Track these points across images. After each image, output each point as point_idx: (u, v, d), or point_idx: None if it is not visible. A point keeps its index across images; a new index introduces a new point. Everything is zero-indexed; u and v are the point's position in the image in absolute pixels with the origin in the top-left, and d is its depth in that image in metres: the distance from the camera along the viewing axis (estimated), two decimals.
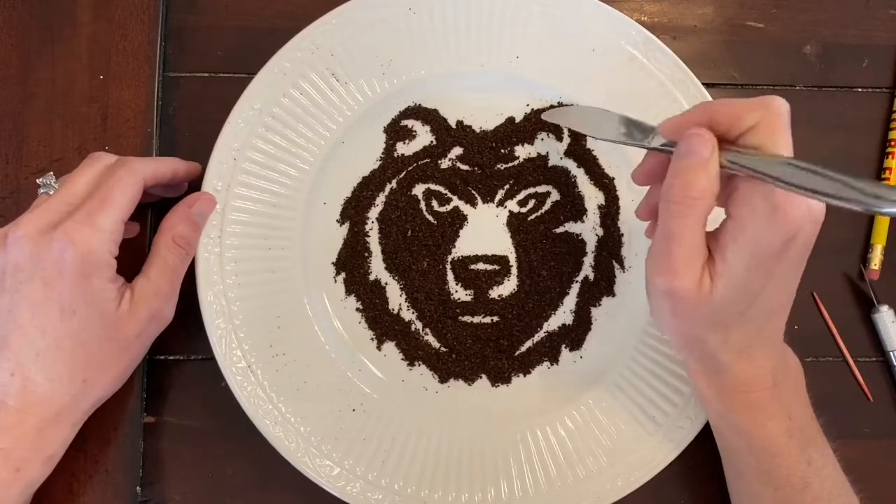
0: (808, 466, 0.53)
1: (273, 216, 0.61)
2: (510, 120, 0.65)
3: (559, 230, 0.64)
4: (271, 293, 0.61)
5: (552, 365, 0.63)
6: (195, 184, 0.61)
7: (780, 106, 0.47)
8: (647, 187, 0.55)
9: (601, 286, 0.64)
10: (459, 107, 0.65)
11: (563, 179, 0.64)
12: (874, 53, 0.69)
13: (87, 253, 0.51)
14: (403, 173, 0.64)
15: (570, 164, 0.64)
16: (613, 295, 0.64)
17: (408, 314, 0.63)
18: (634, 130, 0.54)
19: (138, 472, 0.61)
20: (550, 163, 0.64)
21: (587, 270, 0.64)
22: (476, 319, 0.63)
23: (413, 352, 0.62)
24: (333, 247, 0.63)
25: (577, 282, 0.64)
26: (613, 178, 0.64)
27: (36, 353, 0.52)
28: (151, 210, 0.63)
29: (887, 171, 0.67)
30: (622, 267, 0.64)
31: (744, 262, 0.47)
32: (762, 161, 0.45)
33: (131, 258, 0.57)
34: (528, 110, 0.65)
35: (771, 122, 0.46)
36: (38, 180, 0.55)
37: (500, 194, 0.64)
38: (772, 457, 0.53)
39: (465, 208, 0.64)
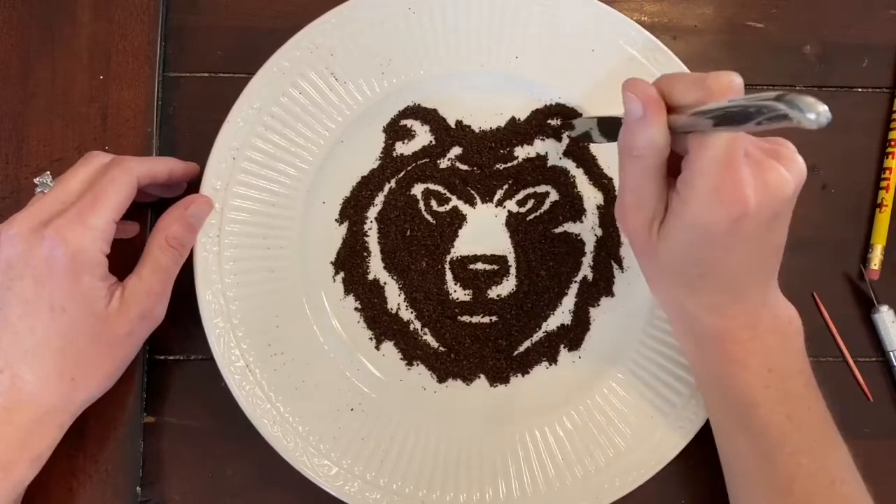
0: (787, 420, 0.52)
1: (272, 215, 0.61)
2: (511, 120, 0.65)
3: (558, 230, 0.64)
4: (270, 292, 0.61)
5: (551, 365, 0.63)
6: (195, 184, 0.61)
7: (721, 85, 0.45)
8: None
9: (600, 286, 0.64)
10: (459, 107, 0.65)
11: (562, 179, 0.64)
12: (874, 53, 0.69)
13: (78, 251, 0.52)
14: (402, 173, 0.64)
15: (569, 165, 0.64)
16: (612, 295, 0.64)
17: (406, 314, 0.63)
18: None
19: (138, 472, 0.61)
20: (549, 163, 0.64)
21: (586, 270, 0.64)
22: (475, 319, 0.63)
23: (411, 351, 0.62)
24: (332, 246, 0.63)
25: (575, 282, 0.64)
26: (612, 179, 0.64)
27: (25, 351, 0.52)
28: (151, 210, 0.63)
29: (887, 172, 0.66)
30: (621, 267, 0.64)
31: (685, 237, 0.48)
32: (693, 115, 0.45)
33: (132, 258, 0.57)
34: (528, 110, 0.65)
35: (709, 101, 0.45)
36: (35, 179, 0.56)
37: (498, 194, 0.64)
38: (747, 407, 0.53)
39: (464, 208, 0.64)
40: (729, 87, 0.45)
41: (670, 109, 0.47)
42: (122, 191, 0.54)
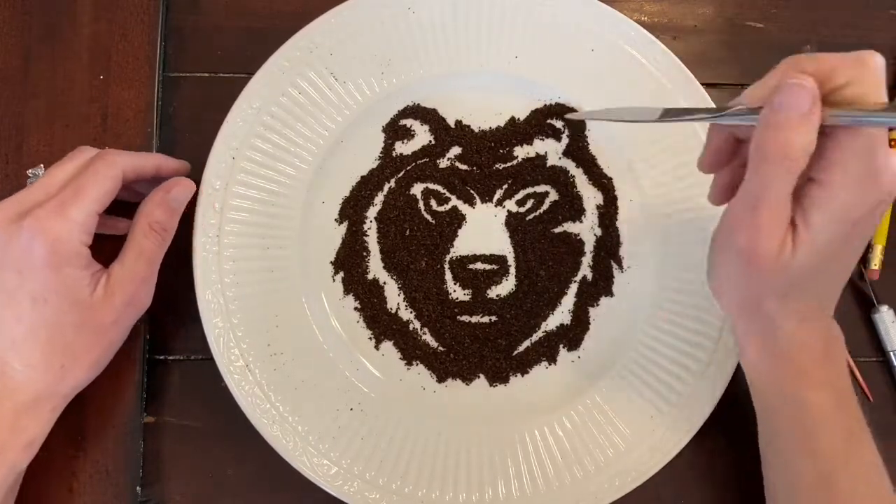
0: (850, 437, 0.52)
1: (271, 215, 0.62)
2: (510, 120, 0.65)
3: (557, 230, 0.64)
4: (269, 292, 0.61)
5: (550, 365, 0.63)
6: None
7: (876, 62, 0.43)
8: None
9: (599, 286, 0.64)
10: (458, 106, 0.65)
11: (561, 179, 0.64)
12: None
13: (57, 242, 0.51)
14: (402, 173, 0.64)
15: (569, 164, 0.64)
16: (612, 295, 0.64)
17: (406, 314, 0.63)
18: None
19: (138, 472, 0.61)
20: (549, 163, 0.64)
21: (585, 270, 0.64)
22: (474, 319, 0.63)
23: (411, 351, 0.62)
24: (332, 246, 0.63)
25: (575, 282, 0.64)
26: (612, 178, 0.64)
27: (12, 341, 0.52)
28: None
29: None
30: (620, 267, 0.64)
31: (829, 230, 0.45)
32: (861, 111, 0.42)
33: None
34: (528, 110, 0.65)
35: (865, 79, 0.43)
36: (28, 171, 0.56)
37: (498, 194, 0.64)
38: (815, 424, 0.51)
39: (464, 208, 0.64)
40: (877, 61, 0.43)
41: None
42: (104, 183, 0.54)
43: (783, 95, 0.43)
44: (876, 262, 0.65)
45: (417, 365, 0.62)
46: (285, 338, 0.61)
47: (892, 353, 0.64)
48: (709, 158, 0.52)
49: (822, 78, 0.43)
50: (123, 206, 0.59)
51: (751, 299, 0.51)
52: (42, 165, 0.56)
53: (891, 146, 0.64)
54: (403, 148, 0.64)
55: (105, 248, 0.56)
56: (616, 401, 0.61)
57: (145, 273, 0.56)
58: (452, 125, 0.65)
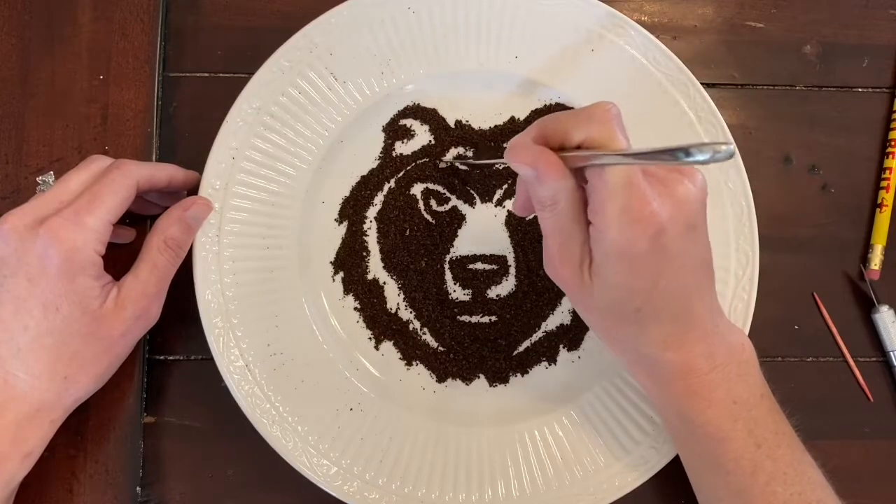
0: (758, 449, 0.52)
1: (271, 215, 0.61)
2: (510, 120, 0.65)
3: None
4: (269, 292, 0.61)
5: (550, 365, 0.63)
6: (194, 192, 0.61)
7: (603, 113, 0.46)
8: None
9: None
10: (458, 106, 0.65)
11: None
12: (874, 53, 0.69)
13: (72, 250, 0.51)
14: (402, 173, 0.64)
15: None
16: None
17: (406, 314, 0.63)
18: None
19: (138, 472, 0.61)
20: None
21: None
22: (474, 319, 0.63)
23: (411, 351, 0.62)
24: (332, 246, 0.63)
25: None
26: None
27: (17, 349, 0.52)
28: (150, 218, 0.63)
29: (887, 172, 0.66)
30: None
31: (613, 265, 0.48)
32: (594, 156, 0.45)
33: (131, 259, 0.57)
34: (528, 110, 0.65)
35: (598, 132, 0.45)
36: (37, 178, 0.56)
37: (498, 194, 0.64)
38: (717, 442, 0.52)
39: (464, 208, 0.64)
40: (608, 113, 0.45)
41: (561, 149, 0.47)
42: (120, 193, 0.54)
43: (513, 158, 0.48)
44: (876, 262, 0.65)
45: (417, 365, 0.62)
46: (285, 338, 0.61)
47: (892, 353, 0.64)
48: (518, 203, 0.54)
49: (563, 136, 0.47)
50: (126, 214, 0.59)
51: (608, 332, 0.54)
52: (52, 173, 0.56)
53: None
54: (403, 148, 0.64)
55: (112, 256, 0.56)
56: (616, 401, 0.61)
57: (157, 288, 0.56)
58: (452, 125, 0.65)
